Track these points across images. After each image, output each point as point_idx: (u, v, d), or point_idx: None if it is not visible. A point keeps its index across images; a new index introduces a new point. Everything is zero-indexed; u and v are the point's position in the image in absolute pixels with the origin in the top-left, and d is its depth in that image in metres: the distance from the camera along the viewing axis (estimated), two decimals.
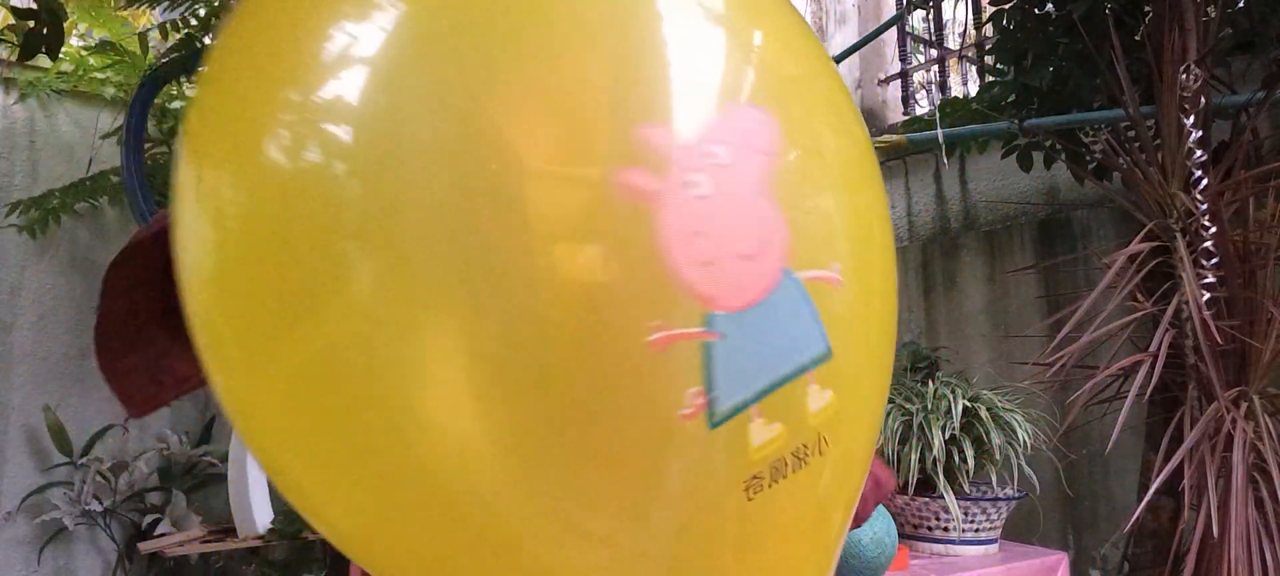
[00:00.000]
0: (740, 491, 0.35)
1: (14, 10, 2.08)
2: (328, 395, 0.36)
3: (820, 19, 4.00)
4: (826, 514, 0.40)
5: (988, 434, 1.89)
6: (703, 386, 0.33)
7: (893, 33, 3.72)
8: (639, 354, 0.32)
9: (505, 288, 0.32)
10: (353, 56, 0.35)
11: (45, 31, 1.87)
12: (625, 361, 0.32)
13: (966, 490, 1.93)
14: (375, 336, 0.34)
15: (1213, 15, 1.89)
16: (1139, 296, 1.84)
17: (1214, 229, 1.77)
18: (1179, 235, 1.82)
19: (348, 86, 0.35)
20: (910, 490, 1.94)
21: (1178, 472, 1.72)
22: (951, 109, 2.84)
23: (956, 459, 1.89)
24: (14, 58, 2.10)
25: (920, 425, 1.91)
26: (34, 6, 1.86)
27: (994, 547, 1.99)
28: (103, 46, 2.87)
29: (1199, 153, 1.80)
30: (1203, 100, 1.83)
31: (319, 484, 0.40)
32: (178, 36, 2.56)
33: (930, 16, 3.76)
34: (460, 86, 0.34)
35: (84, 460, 2.75)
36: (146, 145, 2.52)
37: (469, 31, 0.35)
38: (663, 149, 0.33)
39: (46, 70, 2.79)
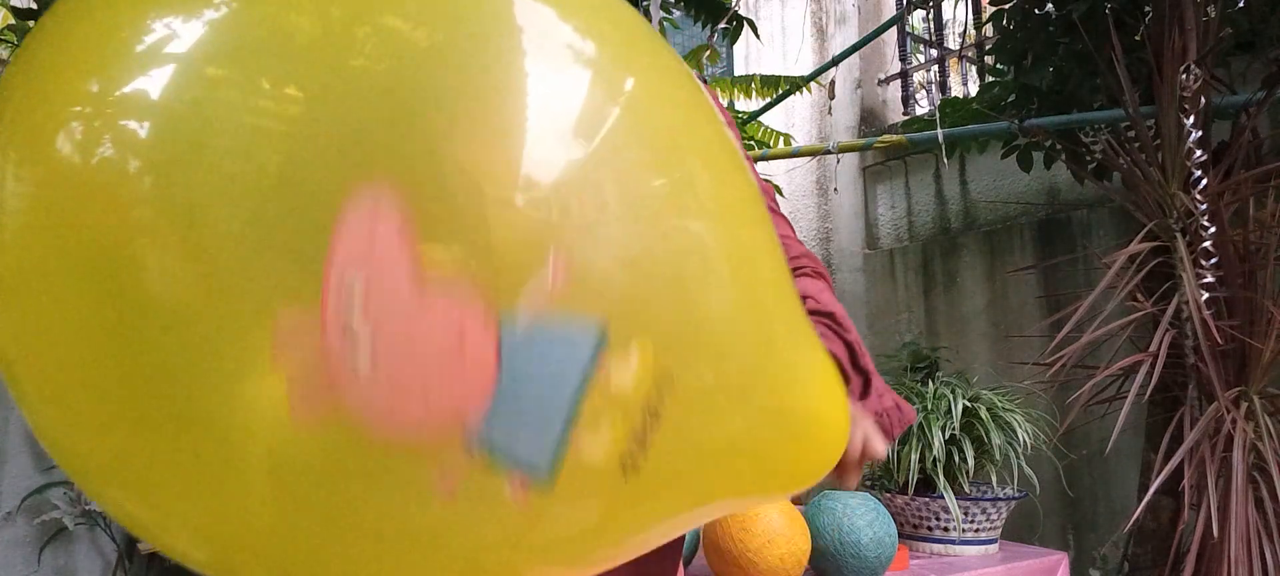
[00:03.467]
0: (616, 475, 0.37)
1: (14, 10, 2.08)
2: (135, 412, 0.35)
3: (820, 19, 4.00)
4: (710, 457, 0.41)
5: (988, 434, 1.88)
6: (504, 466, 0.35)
7: (893, 33, 3.72)
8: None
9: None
10: (161, 52, 0.35)
11: None
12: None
13: (966, 490, 1.93)
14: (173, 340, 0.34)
15: (1213, 15, 1.89)
16: (1139, 296, 1.84)
17: (1214, 229, 1.77)
18: (1179, 235, 1.82)
19: (152, 82, 0.34)
20: (910, 490, 1.94)
21: (1178, 472, 1.72)
22: (951, 109, 2.84)
23: (956, 459, 1.89)
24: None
25: (920, 425, 1.91)
26: (34, 6, 1.86)
27: (994, 547, 1.99)
28: None
29: (1199, 153, 1.80)
30: (1203, 100, 1.83)
31: (142, 506, 0.39)
32: None
33: (930, 16, 3.76)
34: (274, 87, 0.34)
35: None
36: None
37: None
38: None
39: None
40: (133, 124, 0.34)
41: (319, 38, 0.35)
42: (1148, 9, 2.06)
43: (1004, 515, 1.99)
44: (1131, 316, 1.85)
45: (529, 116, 0.36)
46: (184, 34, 0.34)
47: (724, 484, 0.46)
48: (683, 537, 0.89)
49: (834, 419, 0.51)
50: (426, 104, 0.35)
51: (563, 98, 0.37)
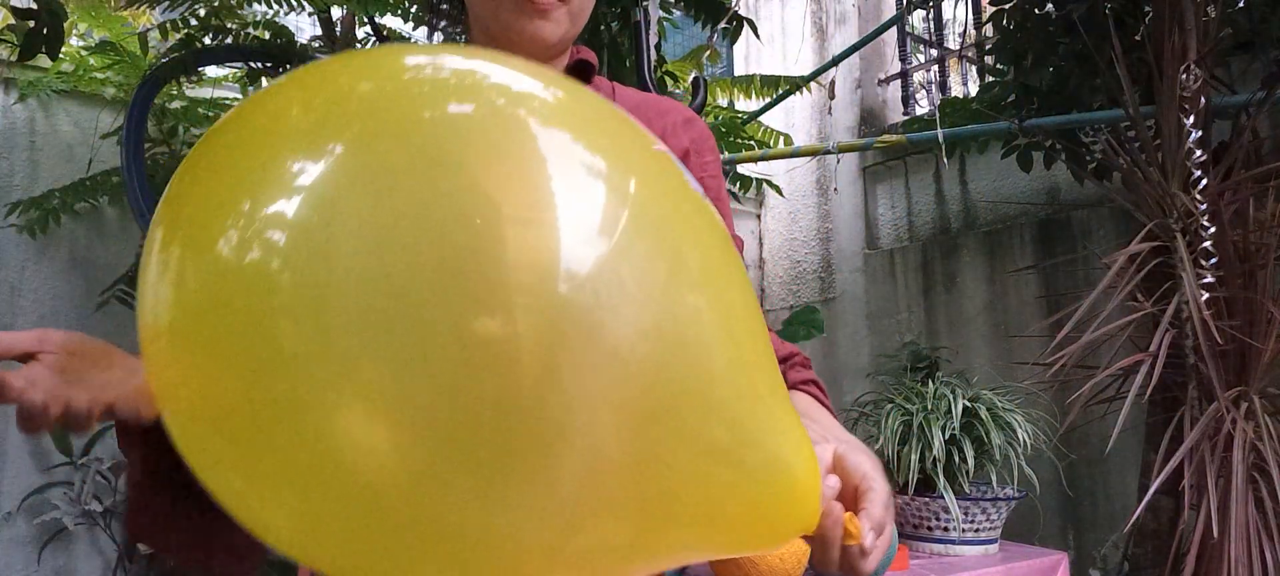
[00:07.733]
0: None
1: (14, 10, 2.08)
2: (262, 429, 0.45)
3: (820, 19, 4.00)
4: None
5: (988, 434, 1.89)
6: None
7: (893, 33, 3.72)
8: None
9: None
10: (296, 182, 0.45)
11: (45, 31, 1.87)
12: None
13: (966, 490, 1.93)
14: (303, 389, 0.43)
15: (1213, 15, 1.89)
16: (1139, 296, 1.84)
17: (1214, 229, 1.77)
18: (1179, 235, 1.82)
19: (290, 202, 0.45)
20: (910, 490, 1.94)
21: (1178, 472, 1.72)
22: (951, 109, 2.84)
23: (956, 459, 1.89)
24: (14, 58, 2.10)
25: (920, 425, 1.91)
26: (34, 6, 1.86)
27: (994, 547, 1.99)
28: (103, 46, 2.87)
29: (1199, 153, 1.80)
30: (1203, 100, 1.83)
31: (258, 501, 0.49)
32: (178, 36, 2.55)
33: (930, 16, 3.76)
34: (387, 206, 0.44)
35: (84, 460, 2.75)
36: (146, 145, 2.51)
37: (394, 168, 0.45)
38: None
39: (46, 70, 2.79)
40: (275, 234, 0.44)
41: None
42: (1148, 9, 2.06)
43: (1004, 515, 1.99)
44: (1131, 316, 1.85)
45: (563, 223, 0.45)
46: (311, 166, 0.46)
47: (708, 536, 0.52)
48: None
49: (810, 476, 0.56)
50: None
51: (587, 204, 0.46)
